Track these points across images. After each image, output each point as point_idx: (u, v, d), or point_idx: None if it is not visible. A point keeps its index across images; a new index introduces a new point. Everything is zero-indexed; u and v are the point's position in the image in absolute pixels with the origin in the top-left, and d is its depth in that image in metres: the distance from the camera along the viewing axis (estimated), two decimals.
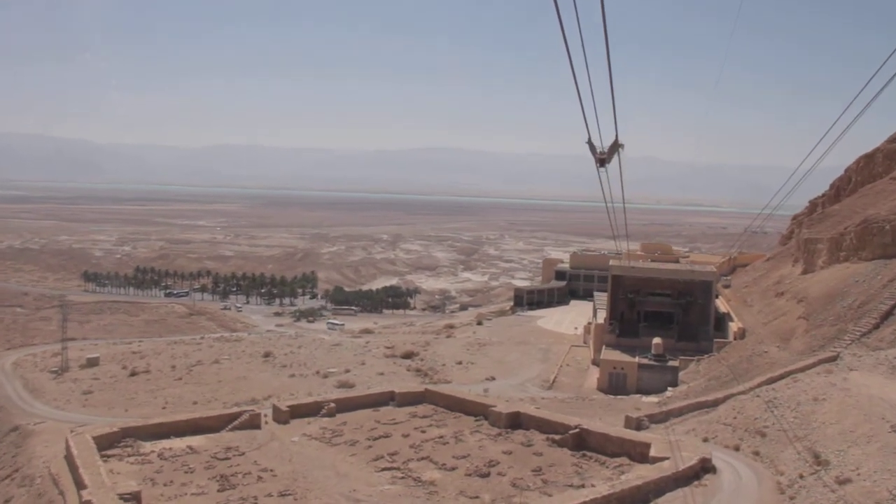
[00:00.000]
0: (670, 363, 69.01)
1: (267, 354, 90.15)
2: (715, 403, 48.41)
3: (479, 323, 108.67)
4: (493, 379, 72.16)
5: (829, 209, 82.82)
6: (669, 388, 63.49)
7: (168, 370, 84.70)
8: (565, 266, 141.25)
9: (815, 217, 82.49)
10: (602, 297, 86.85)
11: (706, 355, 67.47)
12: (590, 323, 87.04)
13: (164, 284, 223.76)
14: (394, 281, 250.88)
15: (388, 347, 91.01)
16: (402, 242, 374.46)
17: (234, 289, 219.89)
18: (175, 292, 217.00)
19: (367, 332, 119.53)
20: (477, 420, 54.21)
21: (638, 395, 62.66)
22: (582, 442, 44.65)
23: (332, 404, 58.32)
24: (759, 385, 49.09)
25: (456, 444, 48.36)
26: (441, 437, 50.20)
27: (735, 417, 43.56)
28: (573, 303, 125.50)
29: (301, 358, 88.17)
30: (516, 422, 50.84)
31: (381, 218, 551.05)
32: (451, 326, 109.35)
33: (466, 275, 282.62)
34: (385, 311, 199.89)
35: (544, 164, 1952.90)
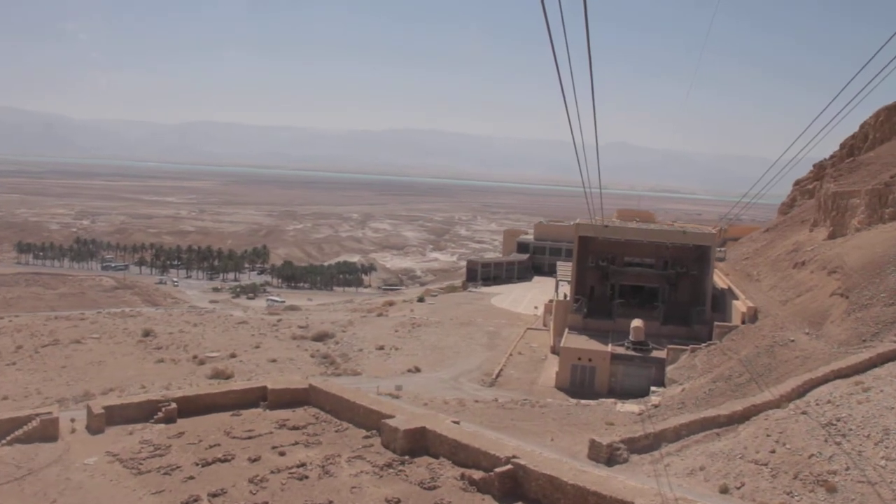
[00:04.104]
0: (655, 353, 51.09)
1: (146, 333, 71.42)
2: (731, 420, 30.34)
3: (421, 299, 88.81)
4: (418, 371, 53.66)
5: (863, 157, 64.67)
6: (655, 389, 45.39)
7: (10, 352, 65.76)
8: (529, 237, 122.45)
9: (843, 167, 64.16)
10: (566, 267, 68.36)
11: (704, 344, 49.44)
12: (551, 300, 68.29)
13: (101, 257, 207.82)
14: (355, 258, 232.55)
15: (300, 327, 72.28)
16: (372, 221, 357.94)
17: (176, 262, 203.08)
18: (113, 265, 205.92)
19: (294, 308, 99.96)
20: (368, 436, 36.25)
21: (611, 400, 44.23)
22: (516, 486, 26.73)
23: (173, 405, 41.20)
24: (797, 391, 31.37)
25: (319, 479, 30.75)
26: (303, 465, 32.57)
27: (772, 451, 25.63)
28: (536, 279, 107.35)
29: (187, 339, 69.58)
30: (420, 444, 33.08)
31: (354, 197, 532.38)
32: (389, 304, 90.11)
33: (435, 254, 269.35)
34: (337, 288, 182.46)
35: (521, 149, 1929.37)
